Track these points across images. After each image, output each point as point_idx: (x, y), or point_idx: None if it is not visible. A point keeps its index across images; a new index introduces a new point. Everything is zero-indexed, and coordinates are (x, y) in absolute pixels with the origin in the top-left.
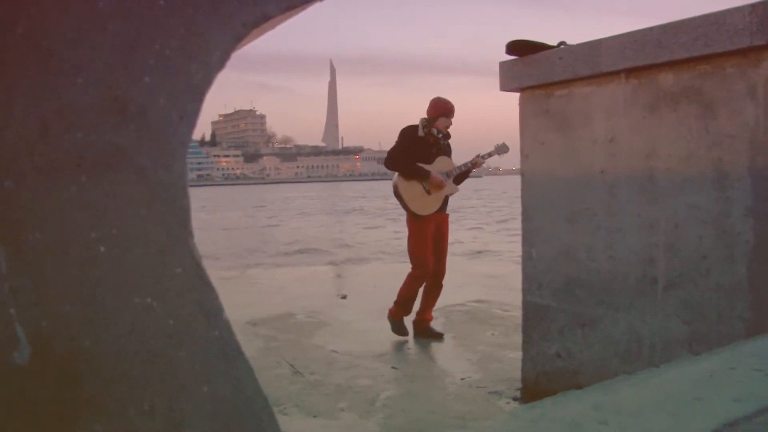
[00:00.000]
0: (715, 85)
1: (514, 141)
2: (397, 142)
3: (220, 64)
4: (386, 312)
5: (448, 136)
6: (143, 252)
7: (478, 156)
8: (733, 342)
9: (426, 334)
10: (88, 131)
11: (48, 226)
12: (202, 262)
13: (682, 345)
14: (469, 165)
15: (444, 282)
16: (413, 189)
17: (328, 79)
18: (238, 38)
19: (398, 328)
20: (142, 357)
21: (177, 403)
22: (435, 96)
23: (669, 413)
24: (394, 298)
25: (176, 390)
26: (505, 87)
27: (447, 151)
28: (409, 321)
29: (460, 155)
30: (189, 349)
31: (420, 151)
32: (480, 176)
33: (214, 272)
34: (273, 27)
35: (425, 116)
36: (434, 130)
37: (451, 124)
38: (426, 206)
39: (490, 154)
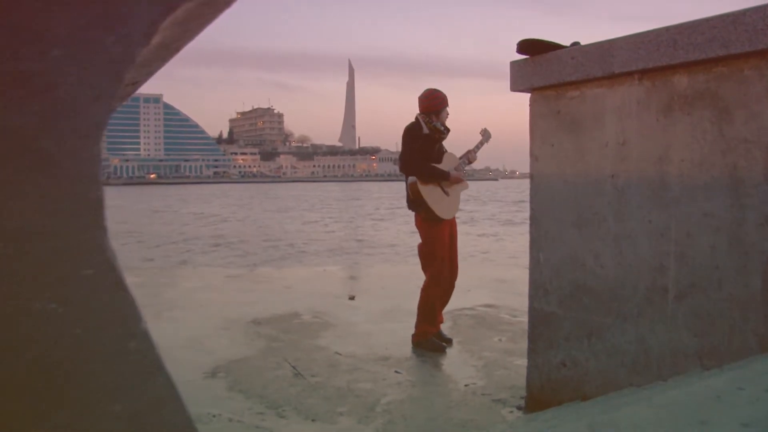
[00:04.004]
0: (731, 88)
1: (524, 144)
2: (407, 145)
3: (145, 39)
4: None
5: (448, 129)
6: (46, 250)
7: (468, 151)
8: (745, 357)
9: (429, 347)
10: None
11: None
12: (117, 263)
13: (691, 358)
14: (466, 162)
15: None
16: (434, 193)
17: (346, 79)
18: (170, 8)
19: (433, 345)
20: (41, 370)
21: (83, 423)
22: (428, 89)
23: None
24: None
25: (82, 408)
26: (515, 87)
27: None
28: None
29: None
30: (99, 362)
31: (428, 150)
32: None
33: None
34: (214, 13)
35: (421, 112)
36: (438, 124)
37: (449, 113)
38: (449, 209)
39: (481, 143)
